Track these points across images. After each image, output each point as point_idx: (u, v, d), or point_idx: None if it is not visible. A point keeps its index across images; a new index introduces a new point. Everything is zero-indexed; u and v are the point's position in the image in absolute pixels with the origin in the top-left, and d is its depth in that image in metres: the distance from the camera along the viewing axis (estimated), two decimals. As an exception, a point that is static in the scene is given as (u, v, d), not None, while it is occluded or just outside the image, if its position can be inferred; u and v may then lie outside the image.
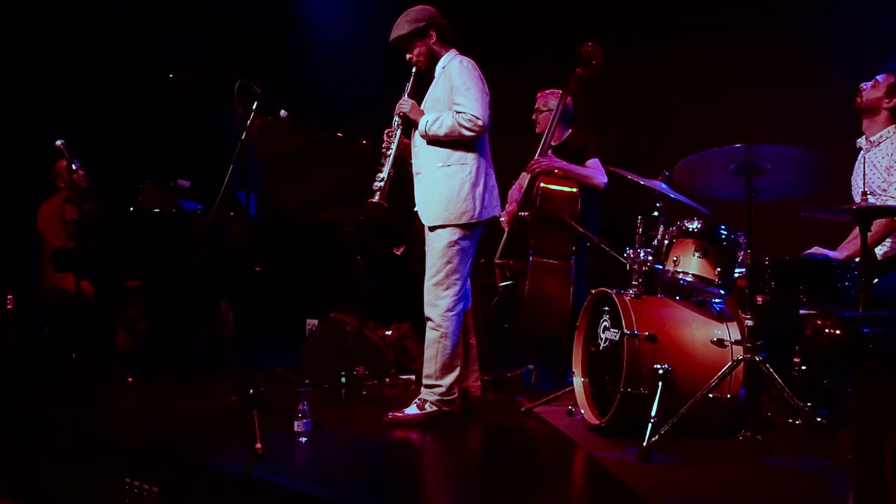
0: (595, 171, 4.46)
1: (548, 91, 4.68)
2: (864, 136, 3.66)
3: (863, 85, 3.61)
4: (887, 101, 3.54)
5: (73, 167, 4.85)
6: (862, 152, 3.66)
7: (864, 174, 3.51)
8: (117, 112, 6.17)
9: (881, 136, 3.56)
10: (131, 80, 6.12)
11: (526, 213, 4.47)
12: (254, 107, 4.09)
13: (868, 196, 3.04)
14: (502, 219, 4.54)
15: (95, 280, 4.97)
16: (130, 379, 4.58)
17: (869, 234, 2.88)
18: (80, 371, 4.55)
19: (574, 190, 4.34)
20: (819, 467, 2.76)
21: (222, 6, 6.71)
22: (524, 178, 4.62)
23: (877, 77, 3.58)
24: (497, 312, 4.66)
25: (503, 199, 4.39)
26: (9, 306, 5.01)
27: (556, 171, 4.38)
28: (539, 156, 4.44)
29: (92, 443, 3.44)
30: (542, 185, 4.33)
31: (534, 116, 4.72)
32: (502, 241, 4.61)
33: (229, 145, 4.19)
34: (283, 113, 4.32)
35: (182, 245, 4.54)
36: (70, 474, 3.39)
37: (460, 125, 3.45)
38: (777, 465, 2.83)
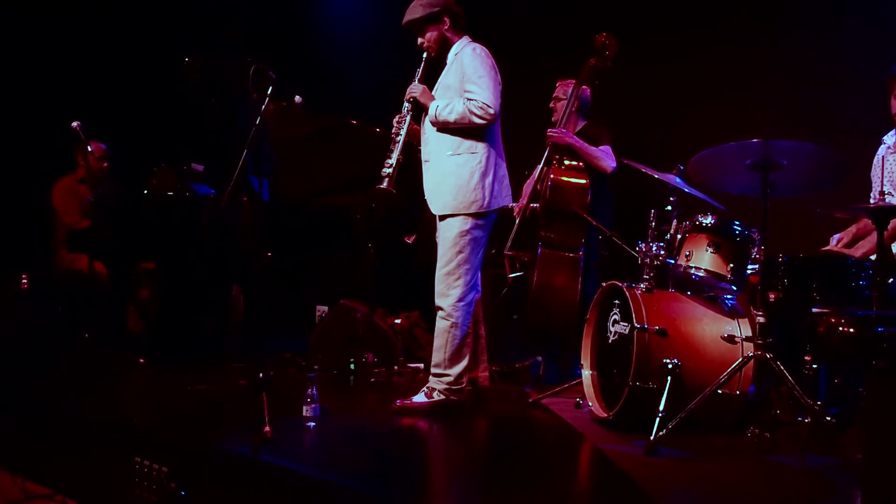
0: (605, 154, 4.43)
1: (568, 80, 4.64)
2: (892, 132, 3.58)
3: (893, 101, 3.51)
4: None
5: (90, 149, 4.87)
6: (883, 150, 3.61)
7: (883, 172, 3.47)
8: (132, 95, 6.19)
9: None
10: (146, 63, 6.14)
11: (536, 205, 4.45)
12: (268, 92, 4.09)
13: (886, 195, 3.00)
14: (514, 211, 4.53)
15: (108, 262, 5.01)
16: (142, 360, 4.62)
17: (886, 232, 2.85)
18: (91, 352, 4.58)
19: (584, 182, 4.31)
20: (827, 466, 2.74)
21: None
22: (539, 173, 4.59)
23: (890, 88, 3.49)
24: (506, 303, 4.65)
25: (518, 193, 4.37)
26: (23, 286, 5.05)
27: (567, 144, 4.35)
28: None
29: (102, 422, 3.47)
30: (552, 176, 4.31)
31: (551, 104, 4.68)
32: (512, 232, 4.60)
33: (243, 130, 4.20)
34: (297, 99, 4.31)
35: (194, 229, 4.55)
36: (80, 453, 3.42)
37: (471, 112, 3.43)
38: (784, 462, 2.81)
